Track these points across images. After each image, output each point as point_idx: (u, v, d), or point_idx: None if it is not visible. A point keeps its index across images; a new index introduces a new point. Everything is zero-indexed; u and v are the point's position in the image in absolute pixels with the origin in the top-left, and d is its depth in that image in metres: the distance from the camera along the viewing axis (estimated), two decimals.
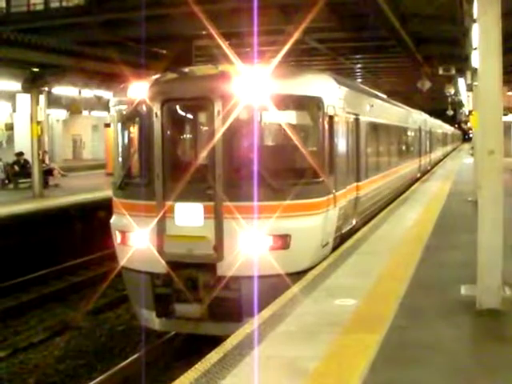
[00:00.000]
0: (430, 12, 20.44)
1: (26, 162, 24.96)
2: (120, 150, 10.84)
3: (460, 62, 24.82)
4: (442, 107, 57.60)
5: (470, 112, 24.92)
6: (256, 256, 9.01)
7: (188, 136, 11.33)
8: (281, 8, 21.20)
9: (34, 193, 22.41)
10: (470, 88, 22.28)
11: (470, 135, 60.18)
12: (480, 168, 7.88)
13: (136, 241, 9.74)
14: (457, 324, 6.89)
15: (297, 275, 9.09)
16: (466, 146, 70.95)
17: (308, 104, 10.14)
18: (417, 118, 28.38)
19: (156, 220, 9.53)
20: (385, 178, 17.39)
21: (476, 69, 9.80)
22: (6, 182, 25.52)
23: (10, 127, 30.97)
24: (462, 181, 24.39)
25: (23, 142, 26.70)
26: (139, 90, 9.90)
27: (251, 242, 9.09)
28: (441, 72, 30.02)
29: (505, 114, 8.47)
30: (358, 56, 33.41)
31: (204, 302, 9.33)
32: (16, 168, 25.59)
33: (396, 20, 21.12)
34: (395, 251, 10.89)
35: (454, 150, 66.42)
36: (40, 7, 26.43)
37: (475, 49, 12.47)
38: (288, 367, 5.66)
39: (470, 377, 5.51)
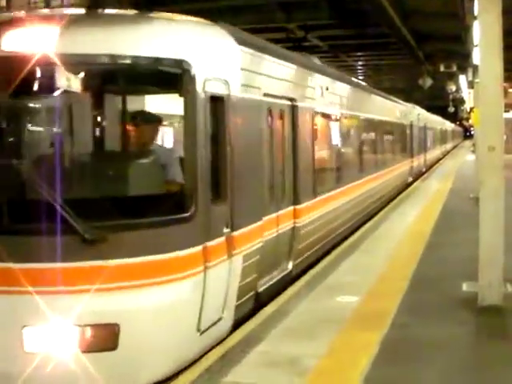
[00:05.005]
0: (432, 9, 20.47)
1: None
2: None
3: (462, 59, 24.89)
4: (443, 104, 57.64)
5: (471, 109, 24.93)
6: (56, 362, 5.03)
7: None
8: None
9: None
10: (471, 85, 22.32)
11: (472, 132, 60.11)
12: (481, 164, 7.89)
13: None
14: (458, 321, 6.89)
15: None
16: (468, 143, 70.85)
17: (157, 74, 5.71)
18: (407, 112, 24.38)
19: None
20: (352, 193, 12.79)
21: (477, 66, 9.79)
22: None
23: None
24: (463, 178, 24.37)
25: None
26: None
27: (46, 338, 5.09)
28: (442, 69, 30.09)
29: (506, 111, 8.45)
30: (359, 53, 33.46)
31: None
32: None
33: (397, 17, 21.15)
34: (396, 248, 10.88)
35: (454, 147, 65.59)
36: (41, 5, 26.46)
37: (476, 46, 12.46)
38: (290, 364, 5.64)
39: (472, 374, 5.50)
